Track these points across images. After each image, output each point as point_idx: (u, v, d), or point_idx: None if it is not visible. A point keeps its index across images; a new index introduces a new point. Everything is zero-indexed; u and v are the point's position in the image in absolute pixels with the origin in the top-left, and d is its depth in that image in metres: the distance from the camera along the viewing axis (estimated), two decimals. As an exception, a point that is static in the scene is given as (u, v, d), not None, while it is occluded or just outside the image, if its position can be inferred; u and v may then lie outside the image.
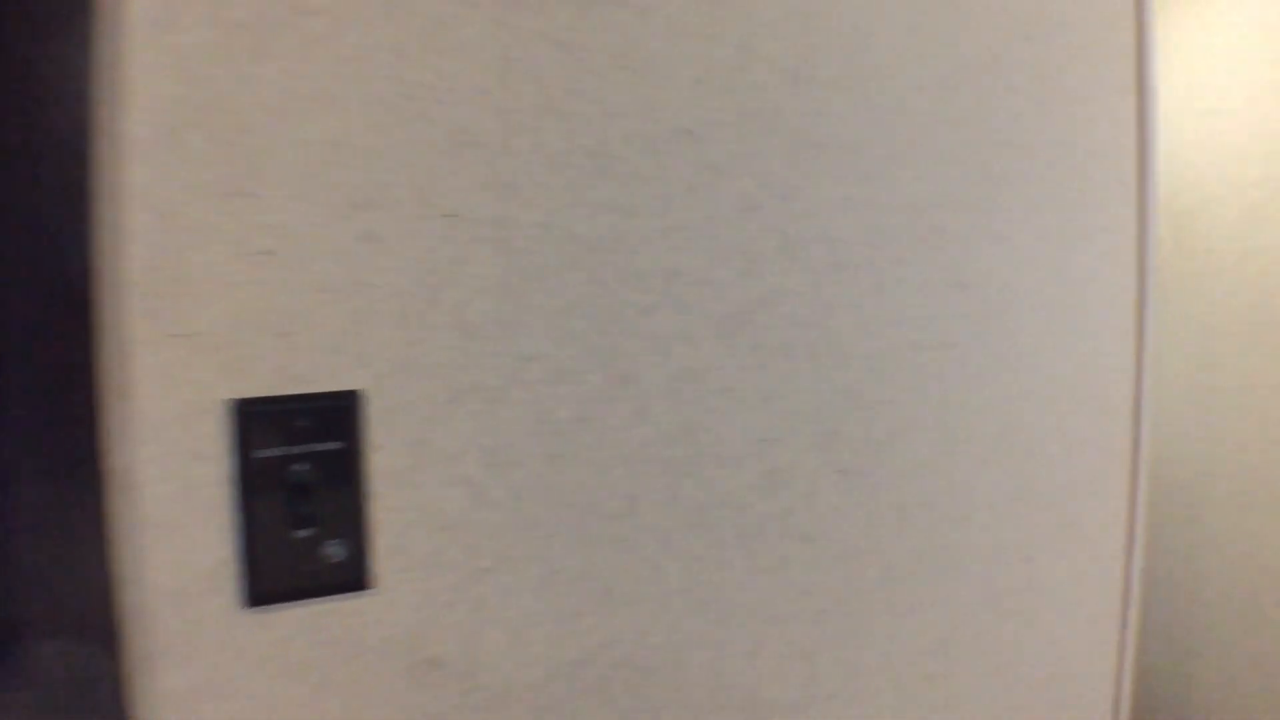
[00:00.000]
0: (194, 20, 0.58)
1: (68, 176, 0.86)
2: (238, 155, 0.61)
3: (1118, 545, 0.97)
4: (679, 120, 0.73)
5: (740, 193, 0.74)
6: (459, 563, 0.68)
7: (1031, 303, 0.88)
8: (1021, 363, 0.88)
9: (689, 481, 0.74)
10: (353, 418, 0.66)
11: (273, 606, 0.65)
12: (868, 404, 0.80)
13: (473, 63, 0.66)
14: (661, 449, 0.73)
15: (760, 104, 0.75)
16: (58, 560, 0.88)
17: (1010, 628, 0.91)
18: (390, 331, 0.65)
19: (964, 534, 0.86)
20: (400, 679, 0.67)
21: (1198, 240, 2.03)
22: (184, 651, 0.61)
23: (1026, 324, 0.88)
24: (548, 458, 0.70)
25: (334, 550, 0.66)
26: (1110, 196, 0.93)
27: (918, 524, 0.84)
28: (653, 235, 0.72)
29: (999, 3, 0.85)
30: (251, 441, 0.64)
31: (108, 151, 0.60)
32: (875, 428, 0.81)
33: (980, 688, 0.91)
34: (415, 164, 0.65)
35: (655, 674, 0.75)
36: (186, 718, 0.62)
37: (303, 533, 0.66)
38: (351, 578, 0.67)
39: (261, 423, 0.64)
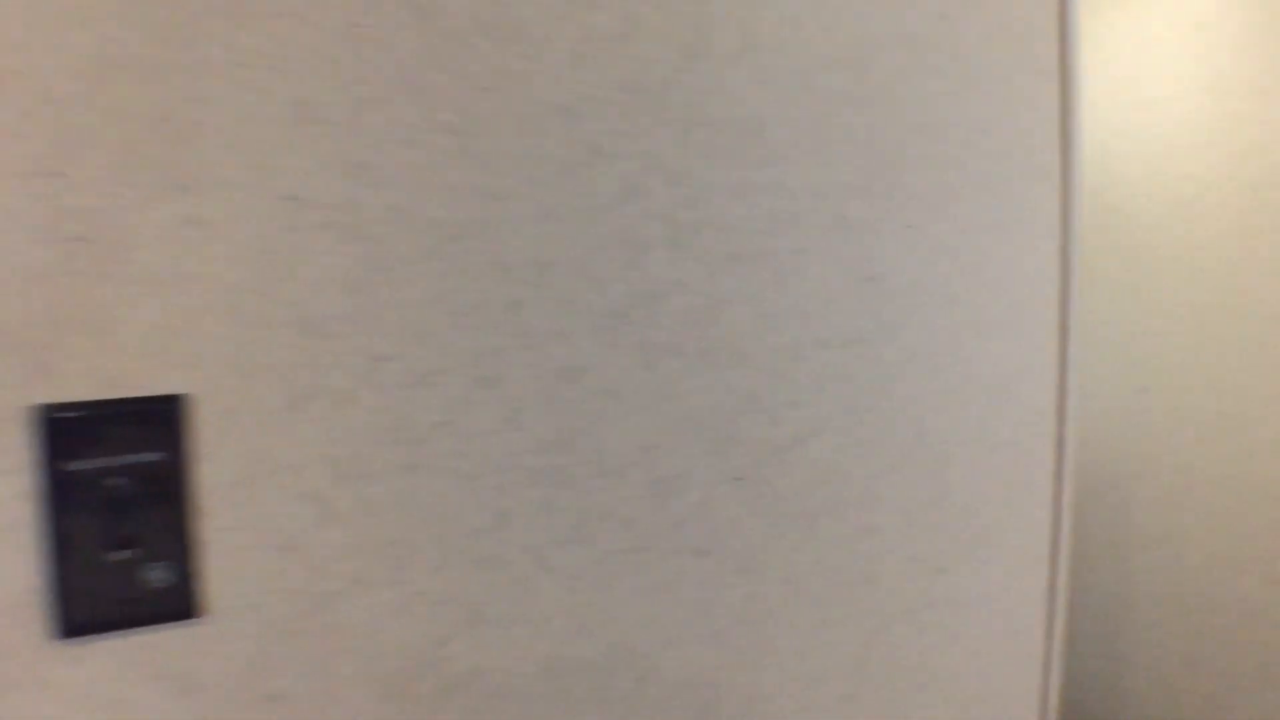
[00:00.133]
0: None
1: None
2: (43, 129, 0.53)
3: (1041, 553, 0.92)
4: (553, 95, 0.66)
5: (623, 176, 0.68)
6: (303, 586, 0.61)
7: (947, 297, 0.83)
8: (936, 361, 0.83)
9: (567, 492, 0.67)
10: (176, 425, 0.58)
11: (88, 638, 0.57)
12: (768, 406, 0.74)
13: (316, 28, 0.59)
14: (535, 457, 0.66)
15: (647, 79, 0.69)
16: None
17: (928, 642, 0.85)
18: (221, 328, 0.58)
19: (875, 544, 0.81)
20: (236, 717, 0.60)
21: (1128, 235, 2.01)
22: (-44, 698, 0.54)
23: (941, 319, 0.83)
24: (405, 468, 0.63)
25: (157, 574, 0.59)
26: (1032, 185, 0.89)
27: (824, 534, 0.78)
28: (523, 222, 0.65)
29: (911, -23, 0.80)
30: (62, 452, 0.56)
31: None
32: (776, 432, 0.75)
33: (898, 707, 0.85)
34: (249, 140, 0.58)
35: (532, 704, 0.68)
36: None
37: (121, 555, 0.58)
38: (177, 605, 0.59)
39: (73, 431, 0.56)
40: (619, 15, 0.67)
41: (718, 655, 0.75)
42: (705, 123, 0.71)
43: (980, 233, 0.85)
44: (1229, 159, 1.83)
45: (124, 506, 0.58)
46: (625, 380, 0.69)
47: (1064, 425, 0.92)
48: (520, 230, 0.65)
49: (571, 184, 0.66)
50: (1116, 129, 2.03)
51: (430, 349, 0.63)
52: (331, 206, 0.60)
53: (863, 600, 0.81)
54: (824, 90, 0.76)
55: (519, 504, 0.66)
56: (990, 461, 0.87)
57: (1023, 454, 0.90)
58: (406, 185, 0.62)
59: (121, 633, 0.58)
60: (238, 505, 0.59)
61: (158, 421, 0.58)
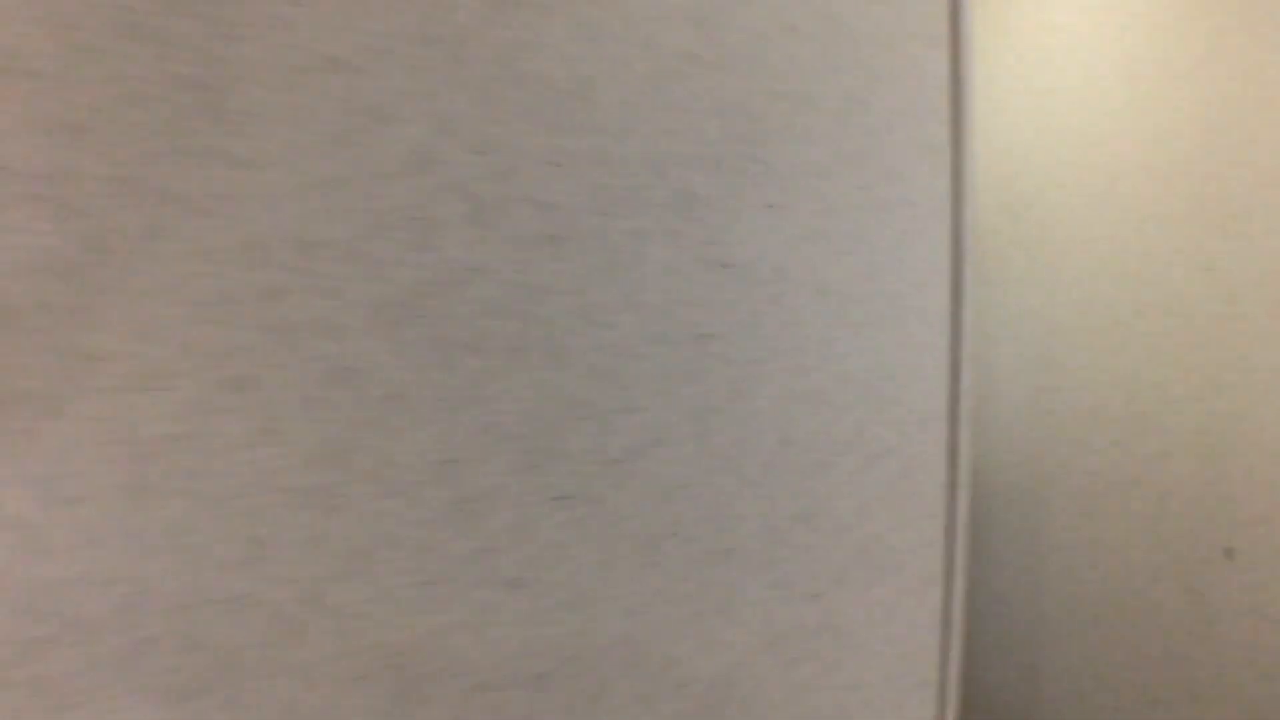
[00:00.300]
0: None
1: None
2: None
3: (934, 571, 0.83)
4: (323, 45, 0.55)
5: (411, 142, 0.58)
6: (6, 632, 0.50)
7: (816, 286, 0.73)
8: (805, 359, 0.73)
9: (341, 517, 0.57)
10: None
11: None
12: (598, 413, 0.64)
13: (8, -45, 0.48)
14: (297, 475, 0.55)
15: (440, 25, 0.58)
16: None
17: (800, 677, 0.76)
18: (-117, 322, 0.47)
19: (731, 570, 0.71)
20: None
21: (1035, 227, 1.93)
22: None
23: (810, 312, 0.73)
24: (129, 490, 0.52)
25: None
26: (918, 164, 0.79)
27: (671, 560, 0.68)
28: (281, 195, 0.54)
29: (774, -76, 0.70)
30: None
31: None
32: (610, 442, 0.65)
33: (769, 748, 0.76)
34: (-81, 91, 0.47)
35: (307, 768, 0.57)
36: None
37: None
38: None
39: None
40: (406, -48, 0.57)
41: (543, 702, 0.64)
42: (517, 80, 0.61)
43: (856, 214, 0.76)
44: (1141, 147, 1.76)
45: None
46: (415, 383, 0.58)
47: (957, 430, 0.83)
48: (278, 205, 0.54)
49: (345, 151, 0.56)
50: (1024, 115, 1.95)
51: (160, 346, 0.52)
52: (36, 176, 0.49)
53: (718, 633, 0.71)
54: (666, 49, 0.66)
55: (277, 531, 0.55)
56: (871, 472, 0.78)
57: (909, 463, 0.80)
58: (133, 151, 0.51)
59: None
60: (-94, 539, 0.48)
61: None
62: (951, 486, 0.83)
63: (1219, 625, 1.64)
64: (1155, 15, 1.72)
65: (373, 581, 0.57)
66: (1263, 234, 1.59)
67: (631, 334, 0.65)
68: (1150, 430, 1.70)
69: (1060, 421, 1.84)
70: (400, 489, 0.58)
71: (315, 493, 0.56)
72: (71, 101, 0.50)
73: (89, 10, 0.50)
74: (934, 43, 0.81)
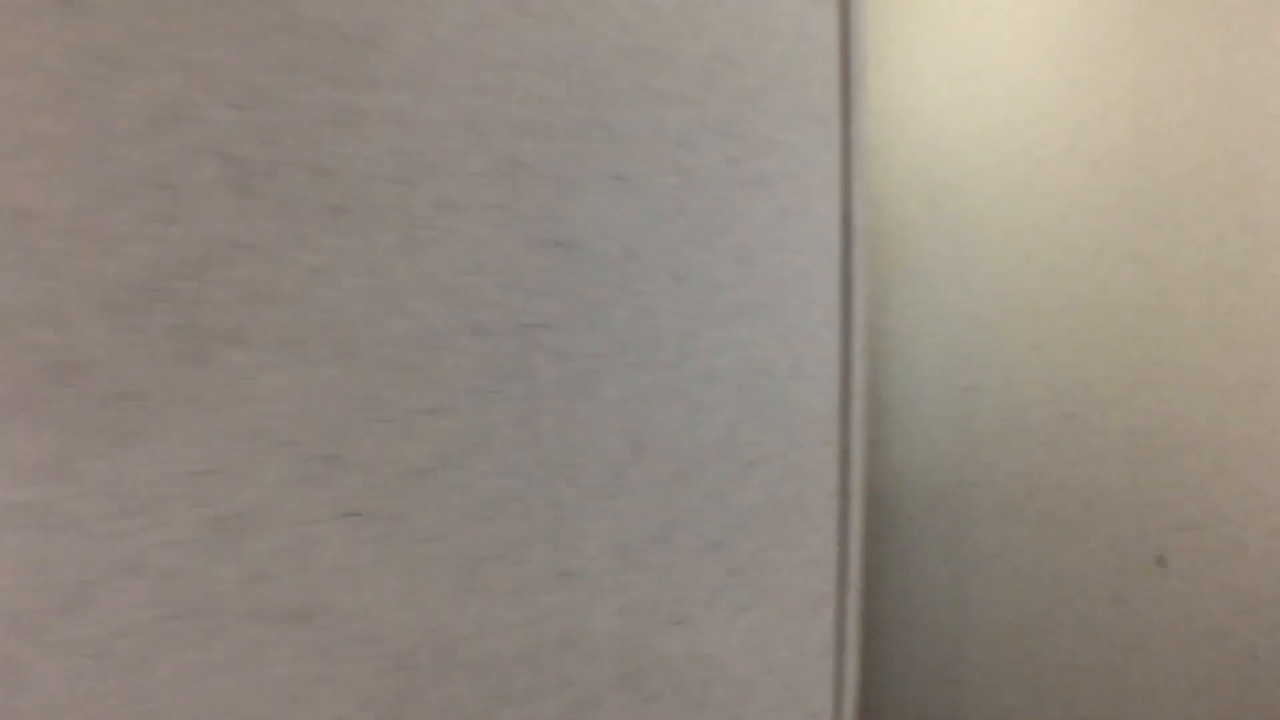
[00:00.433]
0: None
1: None
2: None
3: (822, 591, 0.74)
4: (35, -25, 0.46)
5: (155, 93, 0.49)
6: None
7: (675, 270, 0.65)
8: (660, 353, 0.64)
9: (60, 539, 0.47)
10: None
11: None
12: (396, 414, 0.55)
13: None
14: (9, 490, 0.46)
15: (192, -39, 0.49)
16: None
17: (659, 713, 0.67)
18: None
19: (574, 594, 0.62)
20: None
21: (957, 216, 1.84)
22: None
23: (668, 300, 0.64)
24: None
25: None
26: (800, 134, 0.71)
27: (492, 587, 0.59)
28: (-24, 153, 0.45)
29: None
30: None
31: None
32: (412, 450, 0.56)
33: (631, 794, 0.67)
34: None
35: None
36: None
37: None
38: None
39: None
40: None
41: (338, 752, 0.55)
42: (288, 26, 0.51)
43: (725, 188, 0.67)
44: (1067, 132, 1.67)
45: None
46: (156, 381, 0.49)
47: (849, 432, 0.74)
48: (-28, 165, 0.45)
49: (70, 105, 0.47)
50: (945, 99, 1.86)
51: None
52: None
53: (558, 669, 0.62)
54: (486, -6, 0.57)
55: (-26, 560, 0.46)
56: (745, 481, 0.69)
57: (792, 470, 0.72)
58: None
59: None
60: None
61: None
62: (843, 495, 0.75)
63: (1150, 637, 1.56)
64: (1092, -4, 1.64)
65: (96, 625, 0.48)
66: (1193, 223, 1.51)
67: (439, 323, 0.56)
68: (1078, 431, 1.62)
69: (984, 422, 1.76)
70: (138, 506, 0.49)
71: (32, 510, 0.46)
72: None
73: None
74: None
